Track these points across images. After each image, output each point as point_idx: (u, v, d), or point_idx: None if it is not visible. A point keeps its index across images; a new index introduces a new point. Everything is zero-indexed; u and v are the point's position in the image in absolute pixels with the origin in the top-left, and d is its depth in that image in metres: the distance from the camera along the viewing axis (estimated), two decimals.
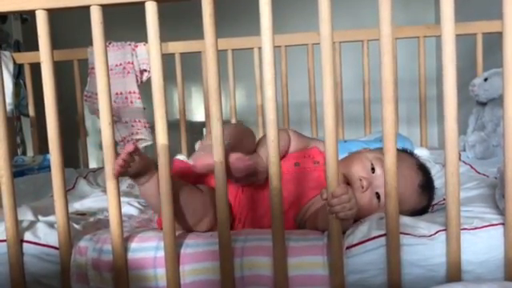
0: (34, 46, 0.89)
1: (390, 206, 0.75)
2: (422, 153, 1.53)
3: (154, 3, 0.77)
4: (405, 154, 1.03)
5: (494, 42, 1.62)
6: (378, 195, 0.95)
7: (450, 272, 0.76)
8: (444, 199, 0.78)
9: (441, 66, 0.72)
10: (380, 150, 1.02)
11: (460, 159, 1.40)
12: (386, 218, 0.76)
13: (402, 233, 0.77)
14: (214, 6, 0.75)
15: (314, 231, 0.87)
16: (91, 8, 0.79)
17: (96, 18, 0.80)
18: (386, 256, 0.77)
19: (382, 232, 0.78)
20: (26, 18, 2.48)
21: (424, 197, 0.99)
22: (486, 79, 1.54)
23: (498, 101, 1.51)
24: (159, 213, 0.89)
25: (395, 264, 0.76)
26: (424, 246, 0.77)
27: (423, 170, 1.01)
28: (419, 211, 0.99)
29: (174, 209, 0.82)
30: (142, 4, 0.78)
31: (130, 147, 0.80)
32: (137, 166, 0.83)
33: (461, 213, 0.76)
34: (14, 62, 1.96)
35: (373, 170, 0.97)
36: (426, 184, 0.99)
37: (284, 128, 1.14)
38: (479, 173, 1.26)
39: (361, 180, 0.95)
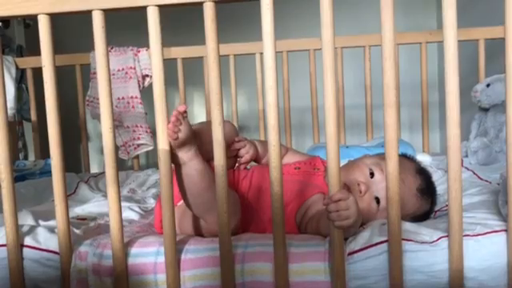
0: (36, 51, 0.89)
1: (392, 211, 0.75)
2: (424, 159, 1.53)
3: (156, 8, 0.77)
4: (404, 158, 1.03)
5: (497, 47, 1.61)
6: (377, 200, 0.95)
7: (453, 279, 0.75)
8: (446, 205, 0.78)
9: (443, 72, 0.72)
10: (379, 156, 1.02)
11: (462, 165, 1.39)
12: (388, 224, 0.75)
13: (404, 239, 0.77)
14: (216, 11, 0.75)
15: (315, 236, 0.86)
16: (93, 13, 0.79)
17: (98, 22, 0.80)
18: (388, 262, 0.76)
19: (384, 238, 0.77)
20: (29, 24, 2.49)
21: (424, 201, 0.99)
22: (488, 85, 1.54)
23: (501, 107, 1.51)
24: (195, 203, 0.88)
25: (397, 270, 0.75)
26: (426, 253, 0.76)
27: (423, 174, 1.01)
28: (421, 216, 0.98)
29: (207, 203, 0.84)
30: (144, 9, 0.78)
31: (181, 107, 0.82)
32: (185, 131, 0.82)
33: (463, 219, 0.75)
34: (17, 67, 1.96)
35: (372, 175, 0.98)
36: (426, 188, 0.99)
37: (285, 146, 1.17)
38: (482, 179, 1.26)
39: (359, 185, 0.96)
